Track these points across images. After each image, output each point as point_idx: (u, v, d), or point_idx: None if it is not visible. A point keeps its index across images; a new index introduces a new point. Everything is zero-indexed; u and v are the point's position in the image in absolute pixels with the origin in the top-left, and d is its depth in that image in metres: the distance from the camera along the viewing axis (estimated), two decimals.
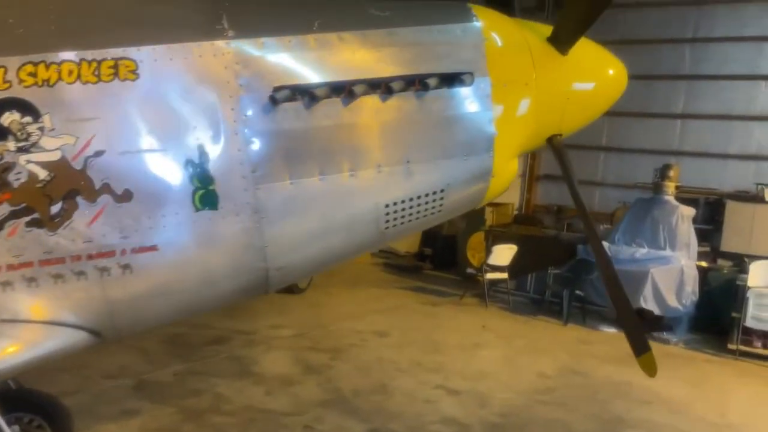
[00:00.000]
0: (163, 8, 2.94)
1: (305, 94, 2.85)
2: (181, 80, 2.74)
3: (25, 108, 2.55)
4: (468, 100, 3.14)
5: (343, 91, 2.90)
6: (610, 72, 3.74)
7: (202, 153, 2.76)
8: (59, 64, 2.59)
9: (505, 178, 3.39)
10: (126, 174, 2.69)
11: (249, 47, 2.82)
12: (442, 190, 3.21)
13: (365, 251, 3.39)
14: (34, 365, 2.82)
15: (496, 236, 12.12)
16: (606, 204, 13.75)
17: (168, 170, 2.74)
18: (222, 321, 8.60)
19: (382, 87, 2.95)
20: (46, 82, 2.58)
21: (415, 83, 3.01)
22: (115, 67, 2.65)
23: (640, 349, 3.66)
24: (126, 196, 2.69)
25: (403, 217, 3.18)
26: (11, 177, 2.55)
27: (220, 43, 2.78)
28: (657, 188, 10.58)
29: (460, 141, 3.17)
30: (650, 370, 3.67)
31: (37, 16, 2.70)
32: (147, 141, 2.71)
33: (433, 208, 3.24)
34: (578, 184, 3.58)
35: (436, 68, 3.08)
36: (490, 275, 11.03)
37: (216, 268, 2.92)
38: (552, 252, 11.46)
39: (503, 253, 10.98)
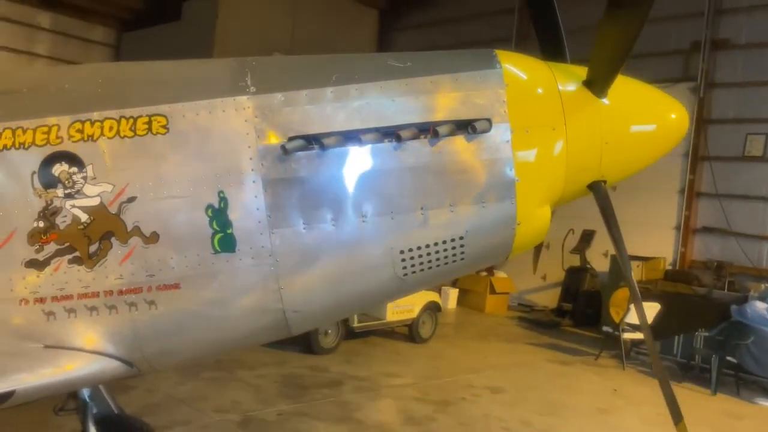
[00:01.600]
0: (196, 69, 3.25)
1: (317, 143, 2.98)
2: (205, 133, 3.00)
3: (73, 160, 2.93)
4: (485, 146, 3.07)
5: (354, 139, 2.99)
6: (672, 116, 3.45)
7: (222, 199, 2.98)
8: (102, 121, 2.95)
9: (535, 227, 3.23)
10: (154, 218, 2.96)
11: (267, 101, 3.01)
12: (461, 237, 3.14)
13: (388, 298, 3.40)
14: (71, 388, 3.16)
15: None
16: None
17: (191, 215, 2.98)
18: (340, 365, 8.83)
19: (393, 135, 3.00)
20: (91, 137, 2.95)
21: (429, 131, 3.02)
22: (149, 122, 2.97)
23: (675, 417, 3.28)
24: (153, 238, 2.96)
25: (422, 264, 3.14)
26: (58, 220, 2.92)
27: (242, 99, 3.01)
28: None
29: (477, 187, 3.08)
30: None
31: (88, 82, 3.12)
32: (173, 188, 2.98)
33: (454, 255, 3.17)
34: (621, 232, 3.33)
35: (452, 115, 3.06)
36: (628, 335, 10.28)
37: (234, 308, 3.08)
38: (701, 312, 10.44)
39: None
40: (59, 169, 2.93)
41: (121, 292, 2.96)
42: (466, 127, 3.05)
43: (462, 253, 3.17)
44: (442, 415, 7.27)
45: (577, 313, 13.05)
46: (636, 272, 12.64)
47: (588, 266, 13.35)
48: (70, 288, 2.93)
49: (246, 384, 7.73)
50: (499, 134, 3.07)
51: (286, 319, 3.15)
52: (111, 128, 2.95)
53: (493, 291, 13.84)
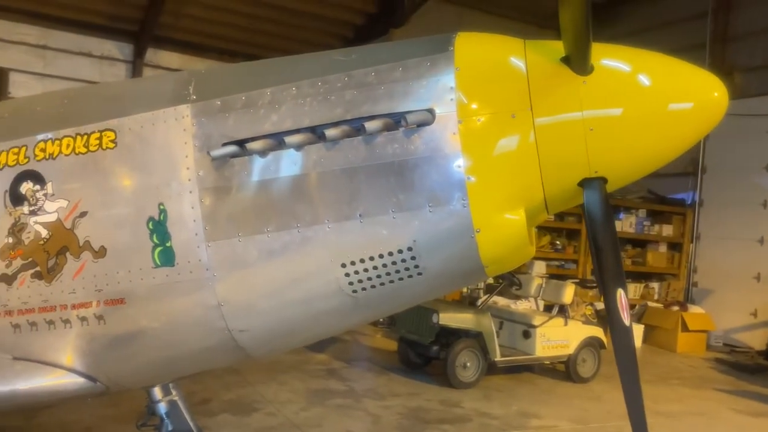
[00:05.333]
0: (147, 84, 3.24)
1: (247, 147, 2.78)
2: (149, 144, 2.96)
3: (37, 178, 3.07)
4: (427, 140, 2.59)
5: (283, 142, 2.73)
6: (709, 95, 2.61)
7: (162, 211, 2.90)
8: (61, 139, 3.06)
9: (505, 235, 2.62)
10: (102, 232, 2.98)
11: (205, 108, 2.89)
12: (409, 248, 2.67)
13: (347, 319, 2.98)
14: (35, 400, 3.23)
15: None
16: None
17: (134, 228, 2.94)
18: (475, 401, 8.28)
19: (323, 135, 2.68)
20: (51, 155, 3.07)
21: (362, 127, 2.65)
22: (100, 138, 3.01)
23: None
24: (101, 252, 2.97)
25: (370, 279, 2.74)
26: (24, 236, 3.07)
27: (181, 107, 2.92)
28: None
29: (421, 189, 2.60)
30: None
31: (55, 103, 3.27)
32: (119, 202, 2.98)
33: (408, 270, 2.71)
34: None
35: (392, 108, 2.65)
36: None
37: (179, 325, 2.96)
38: None
39: None
40: (26, 187, 3.08)
41: (74, 306, 3.01)
42: (405, 119, 2.63)
43: (416, 267, 2.72)
44: None
45: None
46: None
47: None
48: (32, 302, 3.05)
49: (367, 414, 7.56)
50: (444, 126, 2.60)
51: (234, 340, 2.96)
52: (68, 145, 3.04)
53: (685, 328, 12.11)
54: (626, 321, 2.61)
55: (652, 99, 2.65)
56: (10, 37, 13.02)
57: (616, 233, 2.71)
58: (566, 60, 2.62)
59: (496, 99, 2.63)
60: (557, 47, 2.68)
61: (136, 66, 14.46)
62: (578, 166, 2.63)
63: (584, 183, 2.66)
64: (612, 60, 2.65)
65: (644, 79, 2.65)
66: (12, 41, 13.03)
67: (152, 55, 14.63)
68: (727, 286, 13.09)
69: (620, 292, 2.60)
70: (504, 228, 2.65)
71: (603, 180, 2.65)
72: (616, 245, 2.66)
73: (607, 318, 2.65)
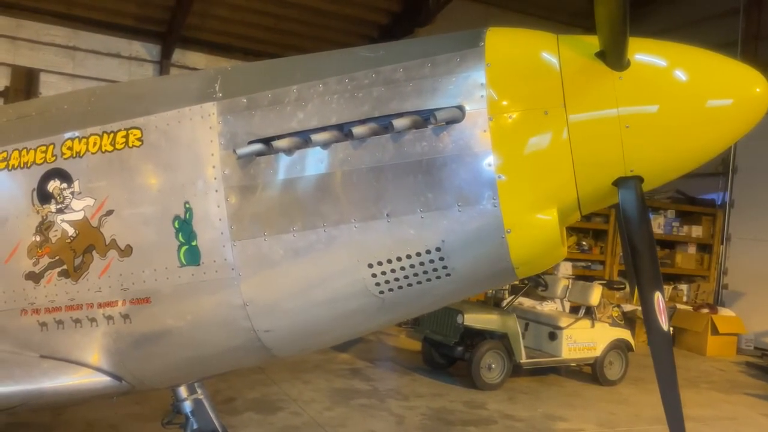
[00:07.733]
0: (173, 82, 3.23)
1: (274, 147, 2.75)
2: (175, 142, 2.95)
3: (64, 176, 3.08)
4: (457, 138, 2.53)
5: (310, 140, 2.69)
6: (744, 90, 2.52)
7: (188, 210, 2.88)
8: (87, 137, 3.06)
9: (536, 236, 2.55)
10: (128, 231, 2.97)
11: (231, 106, 2.87)
12: (437, 249, 2.62)
13: (374, 319, 2.93)
14: (60, 398, 3.24)
15: None
16: None
17: (160, 227, 2.93)
18: (500, 403, 8.19)
19: (350, 132, 2.64)
20: (78, 154, 3.07)
21: (390, 125, 2.60)
22: (126, 136, 3.01)
23: None
24: (127, 251, 2.97)
25: (397, 280, 2.69)
26: (51, 234, 3.08)
27: (207, 105, 2.91)
28: None
29: (450, 189, 2.55)
30: None
31: (81, 102, 3.28)
32: (145, 200, 2.98)
33: (436, 271, 2.66)
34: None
35: (420, 105, 2.60)
36: None
37: (204, 325, 2.94)
38: None
39: None
40: (53, 185, 3.09)
41: (100, 305, 3.01)
42: (435, 117, 2.58)
43: (444, 267, 2.67)
44: None
45: None
46: None
47: None
48: (59, 300, 3.06)
49: (391, 414, 7.52)
50: (474, 123, 2.55)
51: (260, 340, 2.93)
52: (95, 144, 3.04)
53: (715, 331, 11.86)
54: (664, 325, 2.52)
55: (690, 95, 2.56)
56: (41, 39, 13.22)
57: (652, 234, 2.63)
58: (601, 55, 2.54)
59: (529, 95, 2.57)
60: (591, 42, 2.61)
61: (163, 66, 14.60)
62: (613, 164, 2.55)
63: (619, 182, 2.58)
64: (648, 55, 2.57)
65: (681, 75, 2.56)
66: (42, 42, 13.23)
67: (179, 55, 14.76)
68: (758, 289, 12.82)
69: (657, 295, 2.51)
70: (536, 228, 2.58)
71: (639, 179, 2.57)
72: (652, 246, 2.57)
73: (644, 323, 2.56)
